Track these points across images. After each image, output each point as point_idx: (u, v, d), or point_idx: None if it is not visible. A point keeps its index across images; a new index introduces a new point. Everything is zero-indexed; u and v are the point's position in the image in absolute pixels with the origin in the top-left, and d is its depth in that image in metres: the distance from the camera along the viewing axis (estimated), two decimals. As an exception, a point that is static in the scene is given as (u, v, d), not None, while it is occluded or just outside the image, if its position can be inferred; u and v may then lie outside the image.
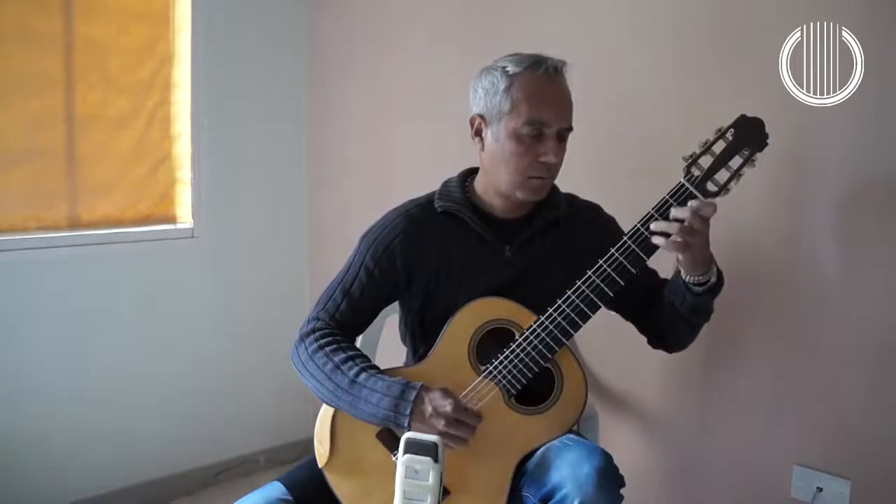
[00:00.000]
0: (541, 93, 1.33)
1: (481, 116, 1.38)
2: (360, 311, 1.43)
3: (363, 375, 1.29)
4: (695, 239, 1.21)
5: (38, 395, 2.18)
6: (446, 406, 1.22)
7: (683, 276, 1.30)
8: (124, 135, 2.35)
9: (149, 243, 2.39)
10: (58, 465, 2.21)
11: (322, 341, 1.34)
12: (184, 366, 2.48)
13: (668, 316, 1.39)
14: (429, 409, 1.23)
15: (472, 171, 1.49)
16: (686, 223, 1.20)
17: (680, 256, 1.25)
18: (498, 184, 1.39)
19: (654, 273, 1.47)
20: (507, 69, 1.34)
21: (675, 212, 1.23)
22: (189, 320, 2.49)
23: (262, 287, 2.66)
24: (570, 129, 1.37)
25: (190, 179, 2.47)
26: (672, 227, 1.21)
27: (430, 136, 2.35)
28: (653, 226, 1.24)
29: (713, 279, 1.30)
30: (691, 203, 1.22)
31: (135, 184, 2.39)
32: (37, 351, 2.18)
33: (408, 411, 1.23)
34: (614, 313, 1.50)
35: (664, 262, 1.37)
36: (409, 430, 1.22)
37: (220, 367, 2.56)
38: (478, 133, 1.40)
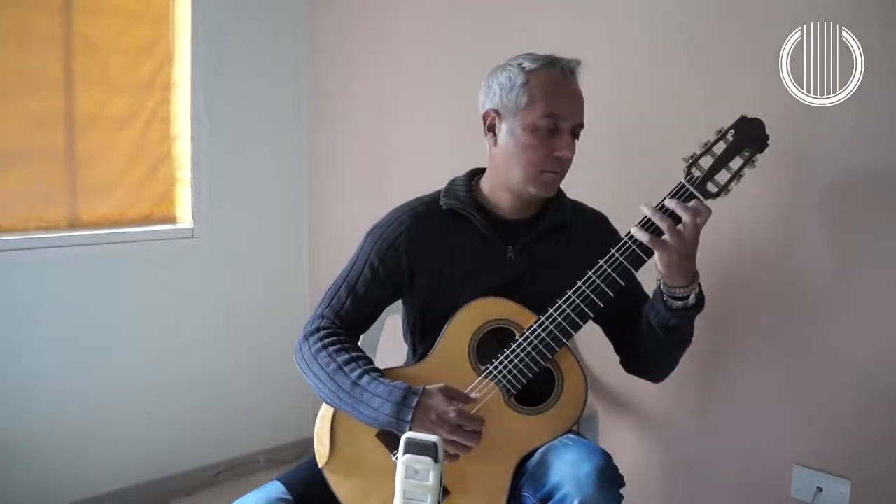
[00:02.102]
0: (557, 88, 1.35)
1: (496, 111, 1.38)
2: (364, 308, 1.43)
3: (365, 378, 1.28)
4: (675, 240, 1.20)
5: (38, 395, 2.18)
6: (450, 413, 1.22)
7: (660, 286, 1.29)
8: (124, 135, 2.35)
9: (149, 243, 2.39)
10: (58, 465, 2.21)
11: (326, 340, 1.34)
12: (183, 366, 2.48)
13: (643, 333, 1.36)
14: (432, 415, 1.22)
15: (479, 171, 1.48)
16: (683, 221, 1.20)
17: (658, 254, 1.23)
18: (509, 179, 1.39)
19: (645, 296, 1.44)
20: (524, 66, 1.36)
21: (671, 203, 1.22)
22: (189, 320, 2.49)
23: (262, 287, 2.66)
24: (582, 125, 1.38)
25: (190, 179, 2.47)
26: (663, 223, 1.21)
27: (430, 136, 2.34)
28: (645, 210, 1.24)
29: (692, 300, 1.28)
30: (693, 203, 1.22)
31: (135, 184, 2.39)
32: (37, 351, 2.18)
33: (409, 418, 1.22)
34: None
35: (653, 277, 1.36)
36: None
37: (219, 367, 2.56)
38: (491, 128, 1.40)
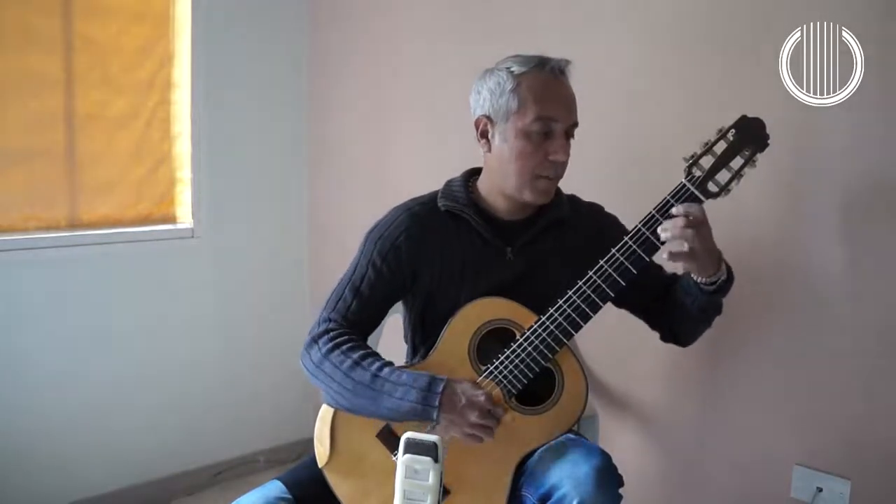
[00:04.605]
0: (548, 90, 1.33)
1: (487, 118, 1.37)
2: (370, 308, 1.42)
3: (386, 370, 1.28)
4: (695, 244, 1.21)
5: (38, 395, 2.18)
6: (479, 396, 1.23)
7: (695, 278, 1.31)
8: (124, 135, 2.35)
9: (149, 243, 2.39)
10: (58, 465, 2.21)
11: (338, 340, 1.34)
12: (184, 365, 2.48)
13: (680, 313, 1.40)
14: (462, 399, 1.23)
15: (476, 171, 1.48)
16: (682, 228, 1.21)
17: (686, 266, 1.27)
18: (504, 185, 1.39)
19: (660, 268, 1.48)
20: (513, 69, 1.34)
21: (665, 223, 1.23)
22: (189, 320, 2.49)
23: (262, 287, 2.66)
24: (576, 124, 1.37)
25: (190, 179, 2.47)
26: (675, 232, 1.21)
27: (429, 135, 2.35)
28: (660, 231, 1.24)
29: (723, 276, 1.31)
30: (676, 209, 1.23)
31: (135, 184, 2.39)
32: (36, 351, 2.17)
33: (436, 403, 1.23)
34: (620, 312, 1.50)
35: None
36: (438, 423, 1.23)
37: (220, 367, 2.56)
38: (483, 135, 1.39)
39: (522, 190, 1.37)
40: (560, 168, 1.36)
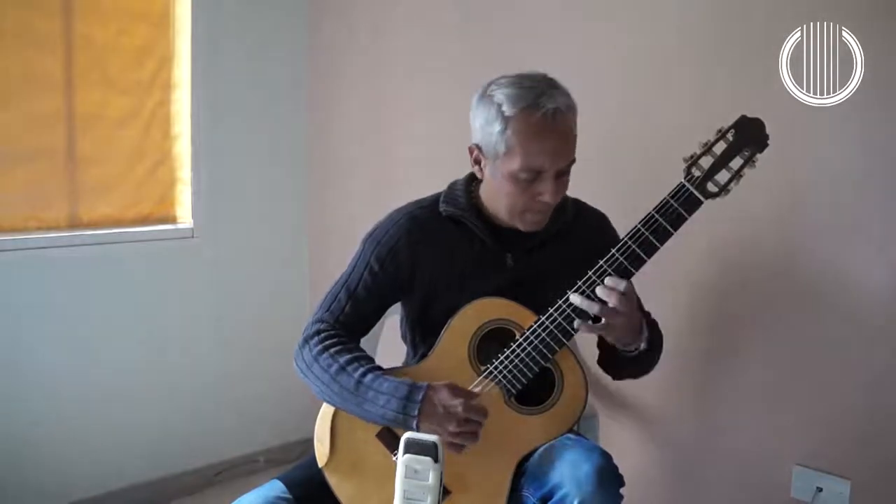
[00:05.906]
0: (537, 138, 1.26)
1: (479, 148, 1.35)
2: (364, 312, 1.42)
3: (369, 377, 1.28)
4: (616, 319, 1.24)
5: (38, 395, 2.18)
6: (457, 406, 1.22)
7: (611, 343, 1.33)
8: (124, 135, 2.35)
9: (149, 243, 2.39)
10: (58, 465, 2.21)
11: (327, 342, 1.34)
12: (183, 366, 2.48)
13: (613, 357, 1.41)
14: (439, 409, 1.23)
15: None
16: (610, 303, 1.23)
17: (606, 334, 1.29)
18: (497, 210, 1.38)
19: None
20: (503, 109, 1.27)
21: (599, 290, 1.25)
22: (189, 320, 2.49)
23: (261, 287, 2.66)
24: (572, 162, 1.32)
25: (190, 179, 2.47)
26: (594, 308, 1.24)
27: (429, 136, 2.34)
28: (574, 299, 1.26)
29: (643, 346, 1.33)
30: (607, 280, 1.25)
31: (135, 184, 2.39)
32: (37, 351, 2.17)
33: (415, 412, 1.23)
34: None
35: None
36: (418, 431, 1.22)
37: (219, 367, 2.56)
38: (476, 162, 1.37)
39: (512, 220, 1.37)
40: (551, 205, 1.33)
